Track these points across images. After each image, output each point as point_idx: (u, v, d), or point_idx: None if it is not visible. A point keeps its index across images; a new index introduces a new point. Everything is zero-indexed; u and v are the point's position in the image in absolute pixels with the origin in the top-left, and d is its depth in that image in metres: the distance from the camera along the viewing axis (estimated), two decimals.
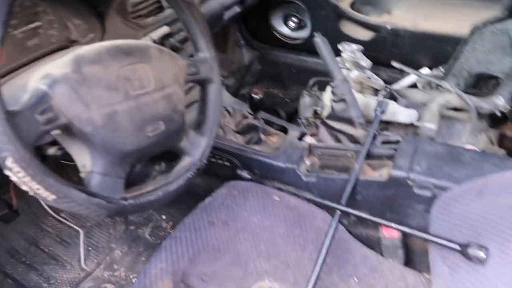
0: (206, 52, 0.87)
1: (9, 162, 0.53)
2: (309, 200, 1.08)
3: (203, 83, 0.89)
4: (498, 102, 1.15)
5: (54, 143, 0.71)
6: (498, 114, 1.19)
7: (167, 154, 0.82)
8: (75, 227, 1.30)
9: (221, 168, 1.23)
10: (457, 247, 0.80)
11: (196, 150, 0.85)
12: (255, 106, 1.27)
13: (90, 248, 1.27)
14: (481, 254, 0.74)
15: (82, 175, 0.66)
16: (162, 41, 1.03)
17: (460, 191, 0.84)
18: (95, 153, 0.65)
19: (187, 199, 1.13)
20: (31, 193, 0.57)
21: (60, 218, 1.31)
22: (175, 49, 1.20)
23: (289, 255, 0.97)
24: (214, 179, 1.23)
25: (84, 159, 0.66)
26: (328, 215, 1.07)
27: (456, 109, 1.27)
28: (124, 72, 0.68)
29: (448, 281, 0.81)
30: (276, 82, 2.18)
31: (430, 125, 1.19)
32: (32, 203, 1.29)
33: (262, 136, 1.32)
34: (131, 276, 1.19)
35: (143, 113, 0.70)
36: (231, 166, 1.21)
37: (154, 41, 0.96)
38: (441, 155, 0.98)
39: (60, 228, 1.30)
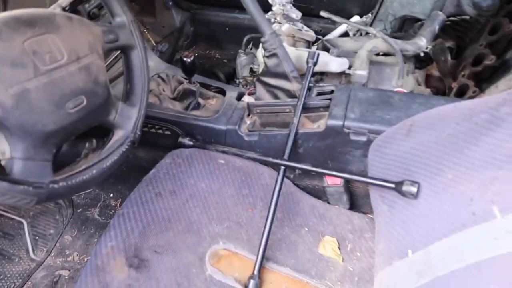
0: (122, 16, 0.83)
1: None
2: (253, 159, 1.09)
3: (125, 50, 0.85)
4: (420, 43, 1.21)
5: None
6: (422, 54, 1.25)
7: (98, 130, 0.79)
8: (17, 218, 1.24)
9: (163, 138, 1.21)
10: (392, 185, 0.86)
11: (127, 122, 0.83)
12: (189, 70, 1.23)
13: (37, 237, 1.22)
14: (413, 189, 0.80)
15: (2, 163, 0.62)
16: (75, 8, 0.96)
17: (391, 132, 0.89)
18: (12, 138, 0.61)
19: (133, 174, 1.11)
20: None
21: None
22: (93, 16, 1.12)
23: (240, 215, 0.99)
24: (157, 150, 1.21)
25: (1, 146, 0.61)
26: (273, 171, 1.09)
27: (385, 54, 1.32)
28: (30, 46, 0.63)
29: (388, 218, 0.88)
30: (211, 43, 2.13)
31: (361, 72, 1.22)
32: None
33: (201, 101, 1.30)
34: (86, 259, 1.17)
35: (60, 89, 0.66)
36: (173, 134, 1.19)
37: (63, 9, 0.88)
38: (372, 100, 1.03)
39: (1, 221, 1.23)
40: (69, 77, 0.68)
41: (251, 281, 0.86)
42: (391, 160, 0.89)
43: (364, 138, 0.98)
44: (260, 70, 1.33)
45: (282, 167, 1.00)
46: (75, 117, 0.68)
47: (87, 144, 0.80)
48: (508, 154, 0.64)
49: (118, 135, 0.81)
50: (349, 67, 1.26)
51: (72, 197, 1.32)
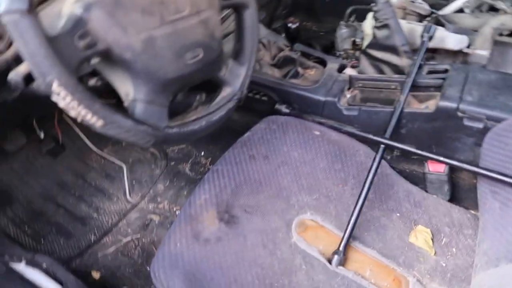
0: None
1: (55, 86, 0.53)
2: (350, 134, 1.05)
3: (238, 9, 0.84)
4: None
5: (94, 74, 0.70)
6: None
7: (207, 84, 0.81)
8: (118, 162, 1.34)
9: (259, 103, 1.21)
10: (511, 180, 0.77)
11: (236, 80, 0.83)
12: (292, 37, 1.20)
13: (134, 182, 1.31)
14: None
15: (126, 103, 0.65)
16: None
17: None
18: (137, 81, 0.64)
19: (226, 135, 1.13)
20: (78, 119, 0.57)
21: (103, 154, 1.35)
22: None
23: (330, 189, 0.97)
24: (252, 115, 1.22)
25: (126, 88, 0.65)
26: (370, 150, 1.04)
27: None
28: None
29: (498, 216, 0.79)
30: (309, 14, 2.07)
31: (482, 51, 1.10)
32: (76, 140, 1.33)
33: (300, 69, 1.28)
34: (174, 209, 1.24)
35: (181, 39, 0.68)
36: (269, 101, 1.19)
37: None
38: (494, 84, 0.92)
39: (104, 163, 1.34)
40: (190, 29, 0.69)
41: (336, 256, 0.84)
42: (511, 152, 0.80)
43: (480, 125, 0.89)
44: (365, 43, 1.27)
45: (382, 146, 0.95)
46: (192, 69, 0.70)
47: (197, 97, 0.82)
48: None
49: (226, 91, 0.82)
50: (467, 46, 1.14)
51: (167, 151, 1.40)
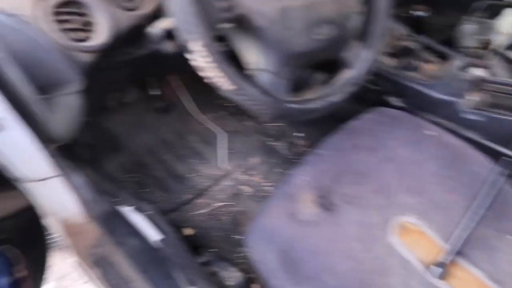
0: None
1: (197, 45, 0.53)
2: (469, 141, 0.96)
3: None
4: None
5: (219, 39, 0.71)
6: None
7: (327, 64, 0.78)
8: (217, 130, 1.38)
9: (369, 92, 1.15)
10: None
11: (360, 63, 0.79)
12: (416, 26, 1.11)
13: (231, 151, 1.35)
14: None
15: (252, 72, 0.65)
16: None
17: None
18: (267, 50, 0.63)
19: (327, 120, 1.10)
20: (210, 80, 0.58)
21: (204, 120, 1.40)
22: None
23: (438, 196, 0.89)
24: (359, 103, 1.16)
25: (254, 57, 0.65)
26: (486, 161, 0.94)
27: None
28: None
29: None
30: (429, 5, 1.92)
31: None
32: (180, 103, 1.40)
33: (417, 62, 1.19)
34: (266, 184, 1.25)
35: (314, 13, 0.66)
36: (380, 91, 1.13)
37: None
38: None
39: (204, 129, 1.39)
40: (324, 4, 0.67)
41: (438, 268, 0.78)
42: None
43: None
44: (499, 42, 1.14)
45: (509, 160, 0.85)
46: (319, 45, 0.68)
47: (317, 76, 0.80)
48: None
49: (348, 74, 0.79)
50: None
51: (264, 126, 1.40)
